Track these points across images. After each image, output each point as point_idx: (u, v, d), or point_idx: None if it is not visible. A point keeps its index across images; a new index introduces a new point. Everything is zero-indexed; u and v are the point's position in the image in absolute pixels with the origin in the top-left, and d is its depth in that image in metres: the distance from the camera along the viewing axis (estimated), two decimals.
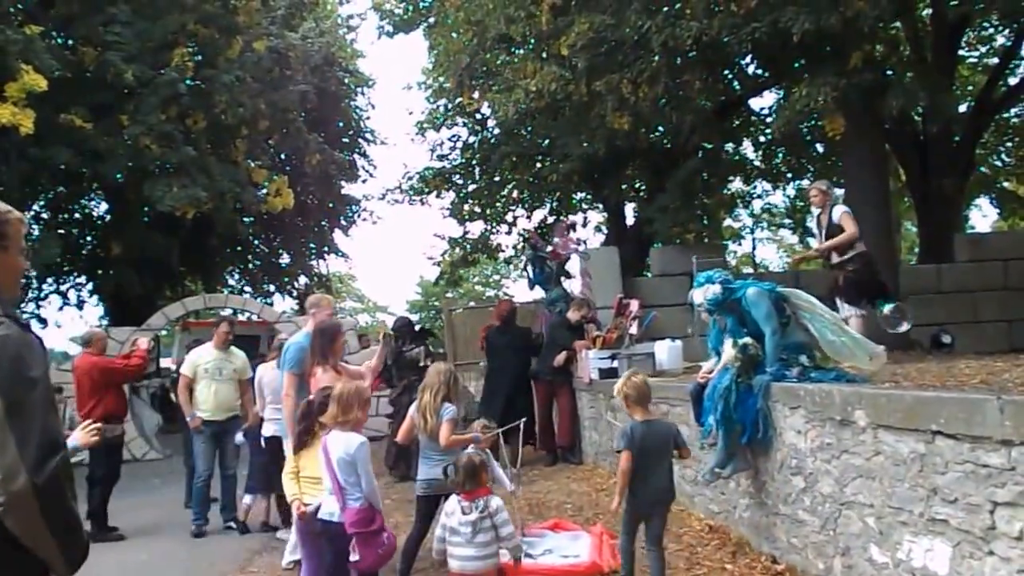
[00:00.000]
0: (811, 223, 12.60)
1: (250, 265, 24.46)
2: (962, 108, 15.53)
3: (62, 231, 18.54)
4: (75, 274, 20.47)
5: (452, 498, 4.58)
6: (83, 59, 15.43)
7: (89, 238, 20.36)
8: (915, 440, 3.78)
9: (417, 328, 11.18)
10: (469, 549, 4.42)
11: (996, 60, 16.05)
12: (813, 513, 4.80)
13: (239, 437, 8.15)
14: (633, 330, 9.26)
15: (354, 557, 4.37)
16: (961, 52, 15.82)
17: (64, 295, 20.52)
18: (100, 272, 19.81)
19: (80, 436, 3.47)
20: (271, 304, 22.24)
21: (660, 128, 14.44)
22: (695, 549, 5.88)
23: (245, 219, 20.23)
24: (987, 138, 17.08)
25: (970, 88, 17.74)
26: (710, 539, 6.07)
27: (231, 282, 25.04)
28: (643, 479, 4.78)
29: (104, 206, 20.13)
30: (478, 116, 17.49)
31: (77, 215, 20.18)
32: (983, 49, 17.52)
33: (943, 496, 3.59)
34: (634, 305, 9.44)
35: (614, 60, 10.12)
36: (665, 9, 9.61)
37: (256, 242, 23.70)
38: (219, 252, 21.70)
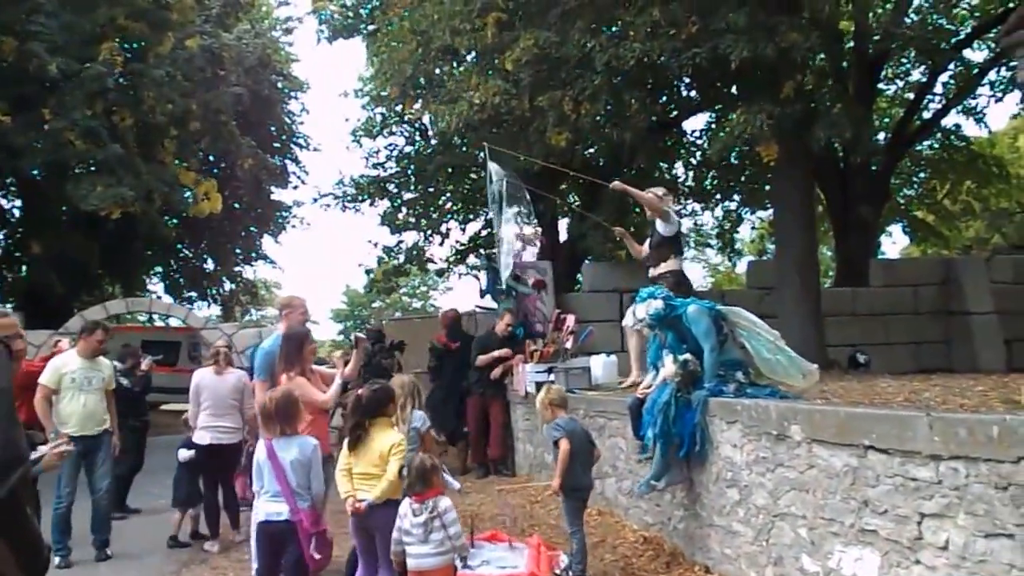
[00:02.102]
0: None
1: (173, 269, 23.81)
2: (879, 138, 16.28)
3: None
4: None
5: (405, 500, 4.69)
6: (3, 49, 14.66)
7: (1, 236, 19.55)
8: (848, 454, 3.97)
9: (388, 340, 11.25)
10: (424, 547, 4.58)
11: (911, 95, 16.87)
12: (747, 524, 4.97)
13: (184, 452, 7.53)
14: (568, 345, 9.40)
15: (317, 556, 4.63)
16: (880, 86, 16.60)
17: None
18: (13, 271, 19.00)
19: (48, 453, 3.24)
20: (196, 310, 21.71)
21: (594, 146, 14.68)
22: (630, 560, 6.01)
23: (171, 222, 19.72)
24: (901, 168, 17.91)
25: (886, 120, 18.56)
26: (644, 550, 6.19)
27: (150, 286, 24.40)
28: (578, 470, 5.55)
29: (19, 202, 19.27)
30: (418, 125, 17.45)
31: None
32: (900, 84, 18.37)
33: (873, 508, 3.79)
34: (570, 320, 9.58)
35: (557, 77, 10.31)
36: (611, 29, 9.85)
37: (180, 245, 23.09)
38: (141, 254, 21.05)
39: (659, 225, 7.55)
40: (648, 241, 7.82)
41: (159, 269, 23.98)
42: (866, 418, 3.89)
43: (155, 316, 22.42)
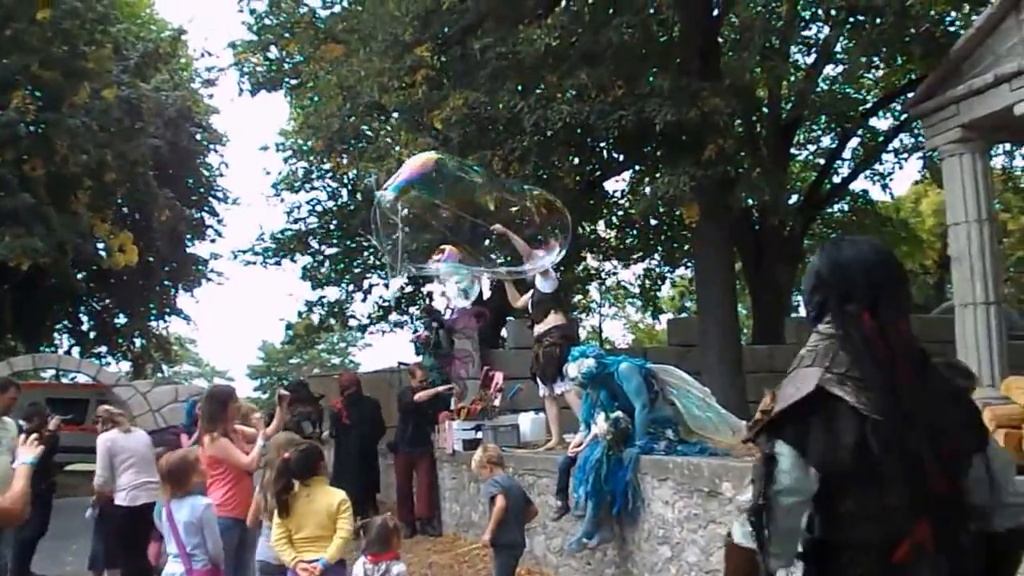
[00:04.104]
0: None
1: (81, 323, 22.93)
2: (792, 201, 16.92)
3: None
4: None
5: (359, 560, 4.62)
6: None
7: None
8: None
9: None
10: None
11: (822, 161, 17.66)
12: None
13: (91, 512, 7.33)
14: (497, 402, 9.34)
15: None
16: (793, 151, 17.34)
17: None
18: None
19: (26, 451, 3.72)
20: (106, 366, 20.84)
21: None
22: None
23: (80, 274, 19.01)
24: (813, 230, 18.62)
25: (799, 184, 19.34)
26: None
27: (56, 341, 23.35)
28: (513, 526, 5.68)
29: None
30: (342, 179, 17.35)
31: None
32: (812, 149, 19.22)
33: None
34: (499, 377, 9.53)
35: (486, 136, 10.42)
36: (540, 90, 10.04)
37: (90, 299, 22.24)
38: (48, 307, 20.21)
39: (539, 282, 7.81)
40: (529, 300, 8.03)
41: (67, 323, 23.05)
42: None
43: (63, 373, 21.45)
